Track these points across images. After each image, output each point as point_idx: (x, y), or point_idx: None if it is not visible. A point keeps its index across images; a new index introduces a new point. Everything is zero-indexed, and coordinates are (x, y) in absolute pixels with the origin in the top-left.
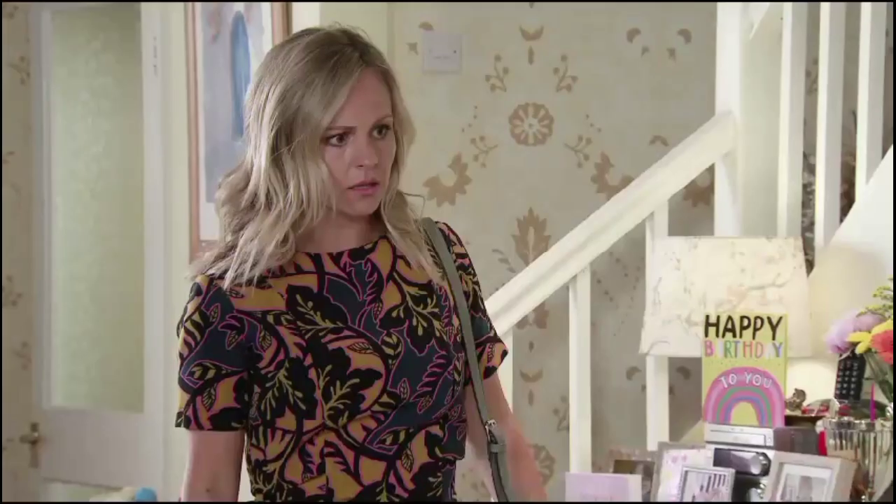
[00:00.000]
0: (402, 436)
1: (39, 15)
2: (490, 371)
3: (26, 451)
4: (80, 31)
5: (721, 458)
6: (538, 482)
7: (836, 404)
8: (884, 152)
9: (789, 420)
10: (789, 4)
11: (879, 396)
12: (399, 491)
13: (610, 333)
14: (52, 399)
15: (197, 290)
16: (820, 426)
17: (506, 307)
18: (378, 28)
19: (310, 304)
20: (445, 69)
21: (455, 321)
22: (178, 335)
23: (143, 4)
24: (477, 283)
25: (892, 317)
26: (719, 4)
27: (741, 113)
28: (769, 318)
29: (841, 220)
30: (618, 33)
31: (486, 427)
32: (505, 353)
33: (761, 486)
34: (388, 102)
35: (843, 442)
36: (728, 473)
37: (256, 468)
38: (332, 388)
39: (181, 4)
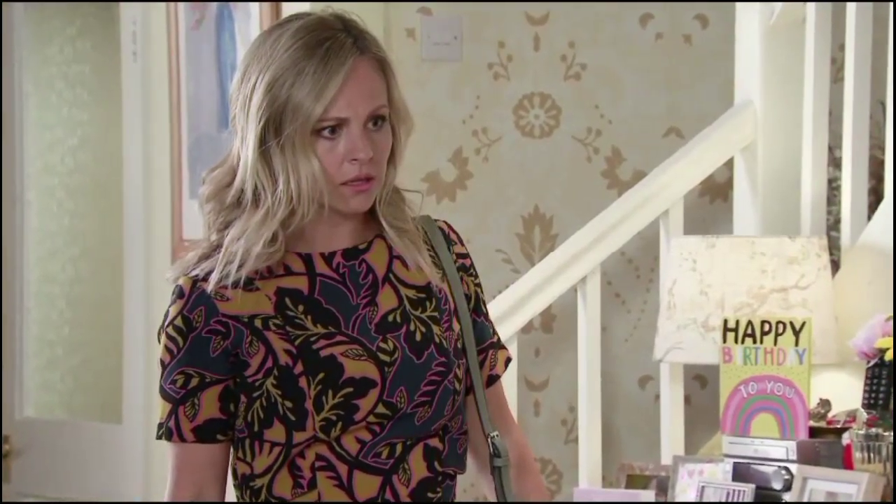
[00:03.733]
0: (398, 448)
1: None
2: (493, 379)
3: None
4: (54, 16)
5: (740, 473)
6: (545, 498)
7: (863, 415)
8: None
9: (813, 432)
10: None
11: None
12: None
13: (621, 339)
14: (24, 409)
15: (179, 293)
16: (846, 438)
17: (510, 311)
18: (373, 13)
19: (300, 307)
20: (445, 57)
21: (455, 326)
22: (159, 341)
23: None
24: (479, 285)
25: None
26: None
27: (762, 103)
28: (792, 323)
29: (869, 218)
30: (630, 18)
31: (489, 439)
32: (509, 360)
33: (783, 502)
34: (384, 92)
35: (871, 455)
36: (748, 489)
37: (243, 483)
38: (323, 398)
39: None
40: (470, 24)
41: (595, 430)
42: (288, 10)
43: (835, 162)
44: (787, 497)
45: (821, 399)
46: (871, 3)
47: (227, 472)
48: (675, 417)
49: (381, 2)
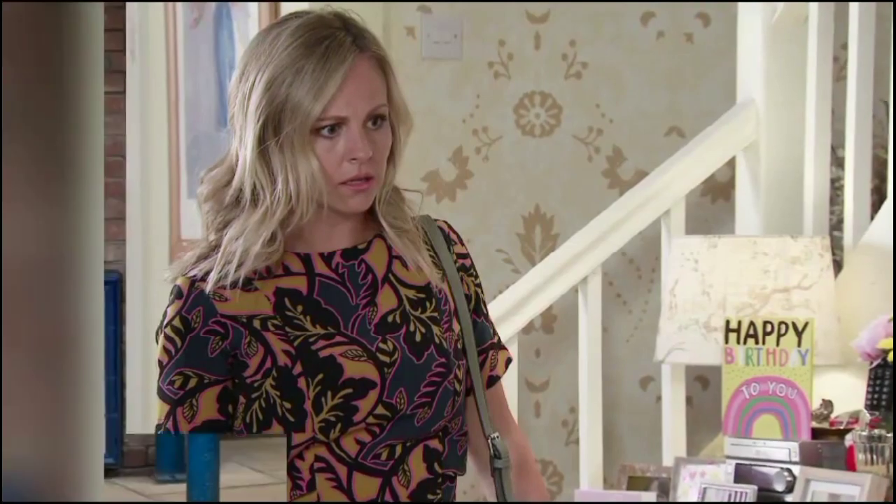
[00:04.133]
0: (398, 450)
1: None
2: (493, 380)
3: None
4: None
5: (742, 474)
6: (545, 499)
7: (866, 416)
8: None
9: (816, 433)
10: None
11: None
12: None
13: (622, 339)
14: None
15: (177, 293)
16: (849, 440)
17: (510, 311)
18: (373, 11)
19: (299, 307)
20: (445, 55)
21: (455, 326)
22: (157, 342)
23: None
24: (479, 285)
25: None
26: None
27: (764, 102)
28: (794, 323)
29: (871, 218)
30: (631, 16)
31: (489, 441)
32: (509, 360)
33: (786, 503)
34: (384, 91)
35: (874, 456)
36: (750, 490)
37: None
38: (322, 399)
39: None
40: (470, 22)
41: (596, 432)
42: (287, 8)
43: (837, 161)
44: (789, 498)
45: (823, 400)
46: (873, 2)
47: None
48: (677, 418)
49: (381, 0)
